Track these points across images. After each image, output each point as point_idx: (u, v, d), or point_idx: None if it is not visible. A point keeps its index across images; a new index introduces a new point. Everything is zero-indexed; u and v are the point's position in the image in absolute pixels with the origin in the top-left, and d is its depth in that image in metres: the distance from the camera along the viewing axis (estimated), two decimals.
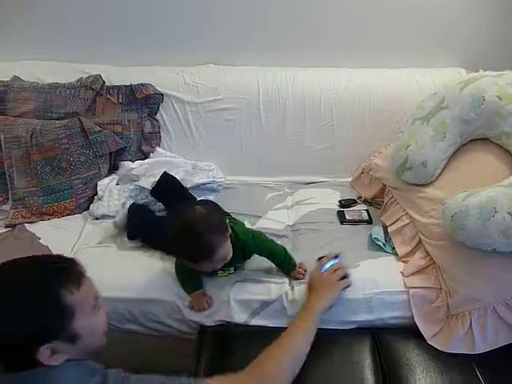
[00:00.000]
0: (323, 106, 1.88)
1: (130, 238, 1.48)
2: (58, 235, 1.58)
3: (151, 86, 1.84)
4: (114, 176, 1.79)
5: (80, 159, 1.72)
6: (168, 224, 1.18)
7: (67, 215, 1.69)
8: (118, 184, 1.78)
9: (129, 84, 1.83)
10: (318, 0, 1.89)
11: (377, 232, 1.51)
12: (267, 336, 1.28)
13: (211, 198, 1.72)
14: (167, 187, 1.59)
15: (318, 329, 1.29)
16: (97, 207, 1.67)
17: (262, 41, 1.97)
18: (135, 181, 1.76)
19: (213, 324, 1.32)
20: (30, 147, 1.69)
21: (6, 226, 1.62)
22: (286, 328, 1.29)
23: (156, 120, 1.89)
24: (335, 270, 1.28)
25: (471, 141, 1.47)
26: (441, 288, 1.30)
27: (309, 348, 1.13)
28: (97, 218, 1.66)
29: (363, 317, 1.31)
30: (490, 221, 1.18)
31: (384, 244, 1.47)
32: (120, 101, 1.82)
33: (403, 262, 1.41)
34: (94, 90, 1.82)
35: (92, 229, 1.61)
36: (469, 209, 1.21)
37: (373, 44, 1.95)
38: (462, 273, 1.27)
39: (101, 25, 1.93)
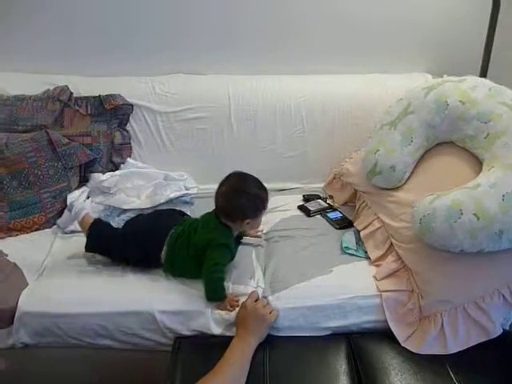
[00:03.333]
0: (293, 114, 1.89)
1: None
2: (26, 251, 1.53)
3: (120, 96, 1.81)
4: (84, 188, 1.76)
5: (48, 172, 1.68)
6: (223, 190, 1.37)
7: (36, 230, 1.65)
8: (88, 197, 1.75)
9: (97, 95, 1.80)
10: (285, 7, 1.91)
11: (347, 240, 1.52)
12: None
13: (185, 210, 1.70)
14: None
15: (293, 336, 1.30)
16: (66, 221, 1.63)
17: (231, 49, 1.97)
18: (106, 193, 1.74)
19: (189, 334, 1.31)
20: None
21: None
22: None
23: (126, 131, 1.87)
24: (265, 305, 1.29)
25: (438, 144, 1.51)
26: (413, 290, 1.32)
27: (244, 381, 1.13)
28: (66, 233, 1.62)
29: (338, 322, 1.32)
30: (456, 223, 1.20)
31: (356, 250, 1.49)
32: (89, 112, 1.78)
33: (376, 265, 1.43)
34: (62, 101, 1.78)
35: (61, 244, 1.58)
36: (436, 211, 1.24)
37: (340, 50, 1.98)
38: (433, 274, 1.29)
39: (69, 35, 1.89)
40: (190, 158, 1.91)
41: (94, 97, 1.80)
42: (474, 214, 1.19)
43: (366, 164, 1.56)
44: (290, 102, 1.89)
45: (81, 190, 1.75)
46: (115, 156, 1.85)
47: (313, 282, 1.36)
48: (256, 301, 1.29)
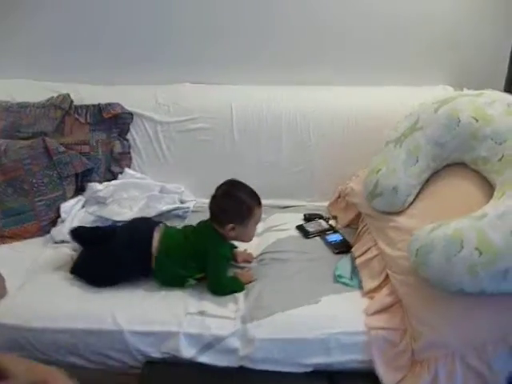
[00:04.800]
0: (300, 126, 1.79)
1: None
2: (13, 259, 1.51)
3: (119, 105, 1.78)
4: (80, 198, 1.73)
5: (43, 180, 1.66)
6: (219, 194, 1.39)
7: (29, 238, 1.64)
8: (83, 207, 1.72)
9: (97, 103, 1.78)
10: (294, 17, 1.82)
11: (342, 267, 1.39)
12: (214, 377, 1.20)
13: (177, 224, 1.63)
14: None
15: (269, 370, 1.20)
16: (58, 231, 1.61)
17: (240, 59, 1.90)
18: (101, 203, 1.70)
19: (159, 356, 1.24)
20: None
21: None
22: (236, 369, 1.21)
23: (126, 140, 1.83)
24: None
25: (447, 166, 1.36)
26: (406, 330, 1.18)
27: None
28: (56, 243, 1.60)
29: (320, 359, 1.19)
30: (455, 256, 1.06)
31: (350, 279, 1.36)
32: (88, 121, 1.77)
33: (369, 298, 1.29)
34: (63, 109, 1.77)
35: (50, 254, 1.54)
36: (434, 242, 1.10)
37: (354, 61, 1.87)
38: (429, 314, 1.14)
39: (75, 43, 1.90)
40: (189, 170, 1.84)
41: (94, 105, 1.78)
42: (477, 249, 1.04)
43: (367, 184, 1.43)
44: (297, 113, 1.79)
45: (76, 199, 1.72)
46: (114, 165, 1.82)
47: (297, 312, 1.24)
48: None
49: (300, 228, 1.64)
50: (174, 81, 1.90)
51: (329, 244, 1.55)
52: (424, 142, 1.34)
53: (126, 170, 1.81)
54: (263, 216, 1.73)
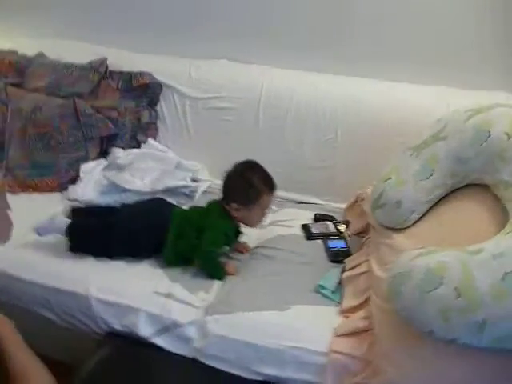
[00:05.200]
0: (328, 119, 1.65)
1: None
2: (27, 208, 1.57)
3: (150, 75, 1.78)
4: (101, 161, 1.78)
5: (69, 139, 1.73)
6: (233, 173, 1.36)
7: (48, 192, 1.73)
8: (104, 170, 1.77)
9: (129, 71, 1.80)
10: (345, 2, 1.66)
11: (329, 277, 1.27)
12: (165, 362, 1.18)
13: (183, 203, 1.61)
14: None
15: (222, 371, 1.14)
16: (74, 190, 1.68)
17: (285, 40, 1.78)
18: (120, 169, 1.74)
19: (120, 329, 1.24)
20: (29, 121, 1.75)
21: None
22: (188, 358, 1.17)
23: (155, 110, 1.84)
24: None
25: (467, 185, 1.16)
26: (370, 362, 1.05)
27: None
28: (70, 200, 1.66)
29: (272, 370, 1.11)
30: (430, 293, 0.90)
31: (333, 292, 1.23)
32: (119, 87, 1.79)
33: (344, 316, 1.17)
34: (100, 73, 1.82)
35: (59, 210, 1.62)
36: (413, 271, 0.95)
37: (403, 54, 1.65)
38: (397, 351, 1.00)
39: (125, 11, 1.93)
40: (210, 149, 1.80)
41: (126, 73, 1.80)
42: (456, 289, 0.87)
43: (373, 192, 1.28)
44: (326, 105, 1.65)
45: (98, 161, 1.77)
46: (140, 134, 1.83)
47: (261, 316, 1.17)
48: None
49: (305, 227, 1.53)
50: (213, 56, 1.85)
51: (328, 250, 1.42)
52: (444, 154, 1.16)
53: (150, 140, 1.82)
54: (275, 208, 1.68)
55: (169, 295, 1.23)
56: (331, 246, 1.43)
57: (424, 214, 1.19)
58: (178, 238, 1.33)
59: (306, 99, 1.68)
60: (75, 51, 1.96)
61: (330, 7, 1.70)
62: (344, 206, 1.64)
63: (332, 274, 1.29)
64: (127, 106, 1.80)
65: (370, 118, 1.61)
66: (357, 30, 1.69)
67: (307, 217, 1.61)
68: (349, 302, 1.18)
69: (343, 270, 1.29)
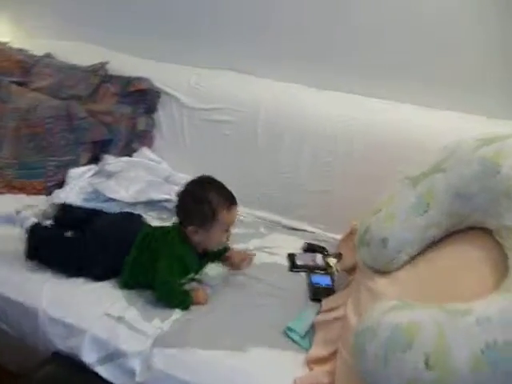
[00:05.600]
0: (325, 139, 1.51)
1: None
2: (9, 207, 1.52)
3: (147, 80, 1.71)
4: (92, 167, 1.71)
5: (60, 142, 1.68)
6: (187, 192, 1.21)
7: (34, 194, 1.67)
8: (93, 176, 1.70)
9: (128, 76, 1.73)
10: (350, 18, 1.53)
11: (301, 318, 1.11)
12: None
13: (164, 216, 1.51)
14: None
15: None
16: (56, 194, 1.61)
17: (290, 55, 1.67)
18: (108, 176, 1.66)
19: (64, 349, 1.13)
20: (23, 120, 1.71)
21: None
22: None
23: (152, 119, 1.76)
24: None
25: (466, 229, 0.98)
26: None
27: None
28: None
29: None
30: (397, 357, 0.74)
31: (303, 337, 1.07)
32: (117, 91, 1.73)
33: (309, 368, 1.00)
34: (100, 76, 1.77)
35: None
36: (381, 328, 0.79)
37: (415, 74, 1.49)
38: None
39: (134, 17, 1.88)
40: (204, 163, 1.68)
41: (125, 77, 1.74)
42: (426, 356, 0.71)
43: (361, 226, 1.12)
44: (326, 124, 1.51)
45: (88, 167, 1.70)
46: (135, 142, 1.76)
47: (215, 355, 1.02)
48: None
49: (290, 257, 1.39)
50: (217, 65, 1.76)
51: (311, 286, 1.26)
52: (444, 188, 0.99)
53: (143, 149, 1.74)
54: (264, 232, 1.55)
55: (120, 319, 1.12)
56: (314, 282, 1.28)
57: (414, 258, 1.02)
58: (135, 260, 1.21)
59: (305, 118, 1.55)
60: (83, 53, 1.93)
61: (335, 22, 1.57)
62: (339, 236, 1.48)
63: (306, 314, 1.13)
64: (123, 112, 1.74)
65: (371, 141, 1.45)
66: (360, 44, 1.55)
67: (296, 244, 1.46)
68: (317, 351, 1.02)
69: (319, 312, 1.13)
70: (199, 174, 1.66)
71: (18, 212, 1.39)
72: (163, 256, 1.18)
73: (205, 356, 1.02)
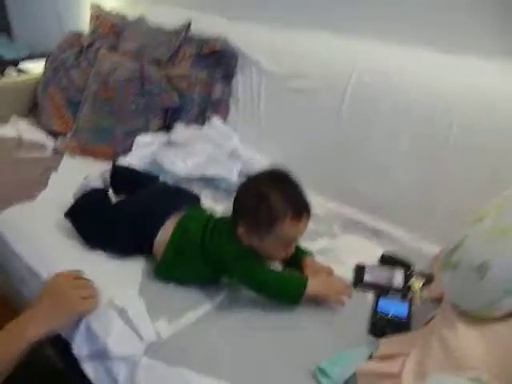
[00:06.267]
0: (438, 122, 1.09)
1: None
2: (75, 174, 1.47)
3: (224, 41, 1.48)
4: (160, 136, 1.54)
5: (131, 107, 1.55)
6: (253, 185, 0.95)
7: (103, 160, 1.58)
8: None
9: (207, 36, 1.52)
10: None
11: (340, 360, 0.76)
12: None
13: (218, 198, 1.28)
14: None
15: None
16: (120, 161, 1.49)
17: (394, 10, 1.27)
18: (172, 146, 1.48)
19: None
20: (103, 84, 1.63)
21: (55, 152, 1.65)
22: None
23: (229, 86, 1.53)
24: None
25: None
26: None
27: None
28: None
29: None
30: None
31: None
32: (192, 53, 1.54)
33: None
34: (181, 38, 1.60)
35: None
36: None
37: None
38: None
39: None
40: (278, 139, 1.41)
41: (203, 38, 1.53)
42: None
43: (452, 240, 0.72)
44: (439, 98, 1.09)
45: (156, 136, 1.55)
46: (209, 111, 1.55)
47: None
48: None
49: (358, 269, 1.03)
50: (311, 26, 1.45)
51: (374, 313, 0.90)
52: None
53: (214, 119, 1.52)
54: (337, 231, 1.23)
55: (122, 311, 0.92)
56: (381, 309, 0.91)
57: None
58: (177, 250, 1.00)
59: (409, 90, 1.14)
60: (174, 16, 1.78)
61: None
62: (438, 250, 1.07)
63: (351, 355, 0.78)
64: (198, 76, 1.54)
65: (502, 123, 1.00)
66: None
67: (375, 254, 1.09)
68: None
69: (371, 356, 0.77)
70: (272, 153, 1.44)
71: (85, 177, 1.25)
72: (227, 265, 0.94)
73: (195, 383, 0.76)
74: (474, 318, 0.63)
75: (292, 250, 0.96)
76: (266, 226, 0.90)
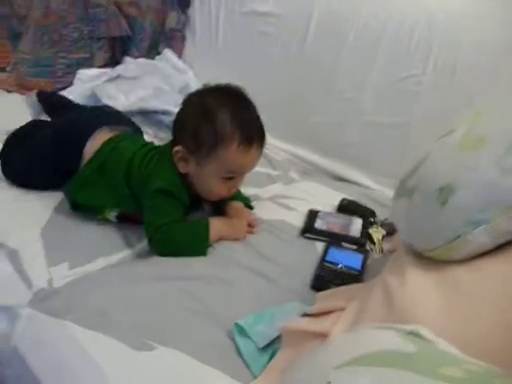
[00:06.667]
0: (413, 45, 0.91)
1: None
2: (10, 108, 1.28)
3: None
4: (106, 70, 1.36)
5: (73, 35, 1.35)
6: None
7: None
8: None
9: None
10: None
11: (263, 317, 0.60)
12: None
13: (162, 137, 1.10)
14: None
15: None
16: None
17: None
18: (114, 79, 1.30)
19: None
20: (45, 9, 1.43)
21: None
22: None
23: (185, 14, 1.33)
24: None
25: None
26: None
27: None
28: None
29: None
30: None
31: (261, 349, 0.57)
32: None
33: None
34: None
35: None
36: None
37: None
38: None
39: None
40: (239, 72, 1.20)
41: None
42: None
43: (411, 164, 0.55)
44: (411, 21, 0.92)
45: (101, 70, 1.36)
46: (162, 43, 1.36)
47: (100, 345, 0.59)
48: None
49: (310, 215, 0.86)
50: None
51: (321, 264, 0.74)
52: None
53: (167, 51, 1.33)
54: (294, 177, 1.05)
55: (14, 254, 0.75)
56: (329, 260, 0.75)
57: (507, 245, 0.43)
58: (100, 166, 0.84)
59: (380, 8, 0.96)
60: None
61: None
62: None
63: (281, 313, 0.62)
64: (151, 3, 1.34)
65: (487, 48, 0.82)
66: None
67: (335, 202, 0.93)
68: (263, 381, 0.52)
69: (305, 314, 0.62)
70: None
71: None
72: (147, 195, 0.78)
73: (81, 340, 0.60)
74: (431, 262, 0.47)
75: (235, 188, 0.81)
76: (207, 147, 0.75)
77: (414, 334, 0.33)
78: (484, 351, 0.33)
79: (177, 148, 0.77)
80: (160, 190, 0.77)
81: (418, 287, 0.43)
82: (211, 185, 0.79)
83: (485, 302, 0.38)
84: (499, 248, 0.43)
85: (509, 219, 0.41)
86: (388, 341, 0.32)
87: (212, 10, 1.28)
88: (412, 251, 0.50)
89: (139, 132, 1.03)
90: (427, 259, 0.46)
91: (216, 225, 0.79)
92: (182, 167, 0.78)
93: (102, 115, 1.00)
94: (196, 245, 0.76)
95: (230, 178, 0.78)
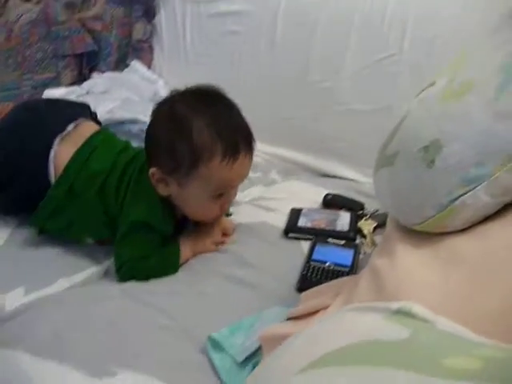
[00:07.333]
0: (387, 25, 0.86)
1: None
2: None
3: None
4: (75, 89, 1.30)
5: (36, 55, 1.30)
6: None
7: None
8: None
9: None
10: None
11: (241, 327, 0.53)
12: None
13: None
14: None
15: None
16: None
17: None
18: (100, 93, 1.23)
19: None
20: (8, 33, 1.39)
21: None
22: None
23: (151, 24, 1.28)
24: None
25: None
26: None
27: None
28: None
29: None
30: None
31: (240, 363, 0.49)
32: None
33: None
34: None
35: None
36: None
37: None
38: None
39: None
40: (209, 75, 1.15)
41: None
42: None
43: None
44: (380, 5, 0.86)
45: (69, 89, 1.30)
46: (130, 56, 1.30)
47: (56, 377, 0.51)
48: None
49: (292, 214, 0.79)
50: None
51: (307, 264, 0.66)
52: None
53: (135, 63, 1.28)
54: (276, 178, 0.98)
55: None
56: (316, 258, 0.67)
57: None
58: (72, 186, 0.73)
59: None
60: None
61: None
62: None
63: (262, 320, 0.54)
64: (114, 15, 1.29)
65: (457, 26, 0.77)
66: None
67: (317, 199, 0.86)
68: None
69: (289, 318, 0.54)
70: None
71: None
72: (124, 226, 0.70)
73: (30, 372, 0.51)
74: (423, 235, 0.39)
75: (228, 203, 0.72)
76: (185, 167, 0.65)
77: (405, 313, 0.26)
78: (494, 328, 0.26)
79: (152, 170, 0.68)
80: (136, 221, 0.69)
81: (410, 264, 0.36)
82: (199, 207, 0.70)
83: (492, 272, 0.31)
84: (497, 213, 0.36)
85: None
86: (369, 327, 0.24)
87: (178, 17, 1.23)
88: (401, 227, 0.43)
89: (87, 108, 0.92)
90: (419, 233, 0.39)
91: (187, 245, 0.71)
92: (162, 190, 0.69)
93: (48, 116, 0.83)
94: (165, 272, 0.68)
95: (220, 195, 0.68)
